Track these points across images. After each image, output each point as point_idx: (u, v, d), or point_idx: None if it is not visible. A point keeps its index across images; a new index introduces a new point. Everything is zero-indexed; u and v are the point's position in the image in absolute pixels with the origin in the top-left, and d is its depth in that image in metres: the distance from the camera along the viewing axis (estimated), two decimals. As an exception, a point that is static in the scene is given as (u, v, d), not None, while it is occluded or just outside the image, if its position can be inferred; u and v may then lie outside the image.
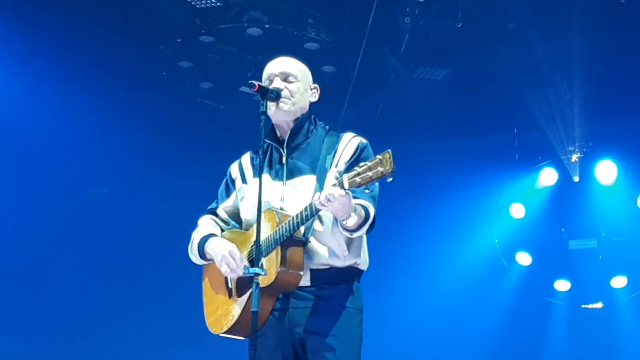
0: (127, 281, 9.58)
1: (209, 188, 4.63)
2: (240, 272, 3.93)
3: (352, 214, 3.70)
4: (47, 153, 9.07)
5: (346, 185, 3.56)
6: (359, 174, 3.54)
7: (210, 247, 4.11)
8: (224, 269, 3.99)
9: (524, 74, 8.58)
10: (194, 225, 4.36)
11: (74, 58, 8.35)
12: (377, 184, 3.81)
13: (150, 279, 9.60)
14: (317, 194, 3.68)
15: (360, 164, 3.57)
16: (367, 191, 3.70)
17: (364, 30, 8.17)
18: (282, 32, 8.27)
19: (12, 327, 9.19)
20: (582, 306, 9.51)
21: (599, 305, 9.47)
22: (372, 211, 3.86)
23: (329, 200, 3.59)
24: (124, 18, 8.17)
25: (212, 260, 4.14)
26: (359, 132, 4.20)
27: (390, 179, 3.53)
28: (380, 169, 3.49)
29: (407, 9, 8.08)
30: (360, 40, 8.30)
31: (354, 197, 3.74)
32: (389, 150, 3.50)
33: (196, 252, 4.19)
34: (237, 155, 4.40)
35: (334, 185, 3.60)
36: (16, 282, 9.32)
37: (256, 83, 3.92)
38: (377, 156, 3.53)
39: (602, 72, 8.54)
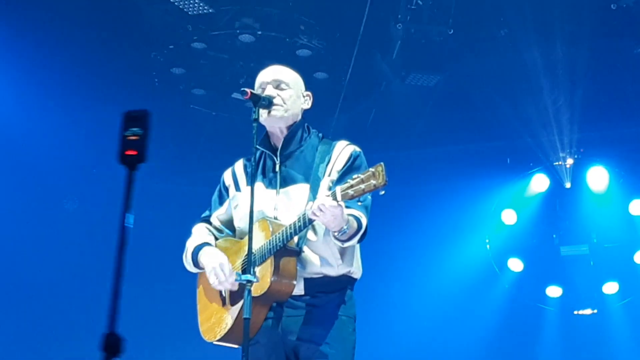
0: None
1: (201, 194, 4.63)
2: (227, 286, 3.93)
3: (344, 225, 3.71)
4: (38, 159, 9.04)
5: (339, 198, 3.57)
6: (351, 186, 3.55)
7: (203, 257, 4.11)
8: (211, 279, 3.99)
9: (515, 80, 8.58)
10: (186, 232, 4.36)
11: (65, 64, 8.33)
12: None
13: (143, 286, 9.56)
14: (310, 204, 3.68)
15: (354, 177, 3.58)
16: (359, 203, 3.72)
17: (355, 36, 8.17)
18: (274, 38, 8.26)
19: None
20: (575, 312, 9.51)
21: (592, 311, 9.48)
22: (364, 222, 3.87)
23: (321, 211, 3.60)
24: (116, 24, 8.15)
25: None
26: (351, 138, 4.21)
27: (383, 192, 3.53)
28: (372, 182, 3.50)
29: (399, 16, 8.07)
30: (352, 47, 8.29)
31: (347, 207, 3.75)
32: (382, 164, 3.51)
33: (190, 260, 4.21)
34: (230, 162, 4.41)
35: (327, 196, 3.60)
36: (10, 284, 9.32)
37: (248, 90, 3.94)
38: (370, 169, 3.54)
39: (593, 78, 8.55)
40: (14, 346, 9.25)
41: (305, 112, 4.26)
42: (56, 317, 9.48)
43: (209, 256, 4.08)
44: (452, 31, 8.13)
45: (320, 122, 4.59)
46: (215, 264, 4.00)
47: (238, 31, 8.22)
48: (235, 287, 3.94)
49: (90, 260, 9.50)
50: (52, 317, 9.47)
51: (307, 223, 3.75)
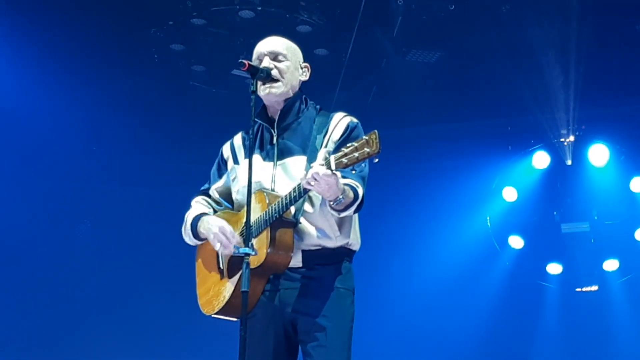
0: (119, 264, 9.58)
1: (201, 171, 4.64)
2: (232, 248, 3.92)
3: (340, 195, 3.69)
4: (38, 137, 9.04)
5: (333, 166, 3.55)
6: (345, 154, 3.53)
7: (203, 226, 4.12)
8: (216, 246, 3.98)
9: (517, 57, 8.55)
10: (185, 208, 4.36)
11: (63, 41, 8.29)
12: (366, 164, 3.83)
13: (143, 261, 9.60)
14: (304, 173, 3.67)
15: (347, 145, 3.56)
16: (353, 172, 3.71)
17: (356, 12, 8.12)
18: (274, 14, 8.21)
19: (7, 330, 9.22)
20: (577, 289, 9.53)
21: (594, 288, 9.50)
22: (360, 191, 3.84)
23: (315, 180, 3.58)
24: (115, 1, 8.11)
25: (205, 239, 4.15)
26: (352, 115, 4.19)
27: (377, 160, 3.52)
28: (366, 149, 3.48)
29: (400, -8, 8.05)
30: (352, 23, 8.25)
31: (343, 177, 3.74)
32: (376, 131, 3.49)
33: (189, 232, 4.21)
34: (230, 139, 4.40)
35: (321, 165, 3.59)
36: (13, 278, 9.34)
37: (246, 62, 3.93)
38: (364, 136, 3.51)
39: (595, 55, 8.51)
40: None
41: (306, 89, 4.25)
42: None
43: (208, 224, 4.09)
44: (453, 7, 8.09)
45: (321, 98, 4.58)
46: (215, 230, 4.00)
47: (238, 7, 8.17)
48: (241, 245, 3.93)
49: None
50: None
51: (302, 193, 3.74)
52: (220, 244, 3.97)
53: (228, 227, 4.00)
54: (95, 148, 9.67)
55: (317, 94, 4.42)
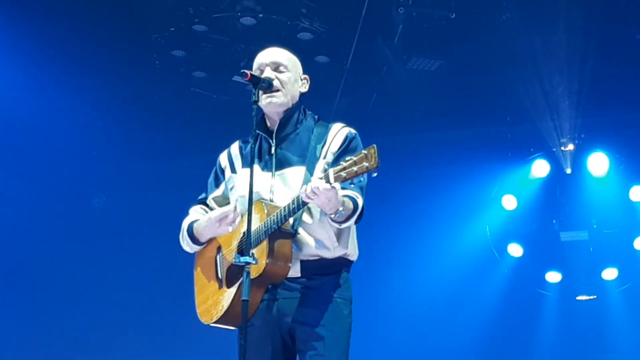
0: (119, 271, 9.58)
1: (202, 177, 4.64)
2: (238, 220, 3.95)
3: (340, 207, 3.71)
4: (38, 141, 9.05)
5: (332, 180, 3.57)
6: (344, 168, 3.55)
7: (201, 227, 4.14)
8: (225, 229, 4.00)
9: (517, 65, 8.58)
10: (186, 214, 4.37)
11: (65, 47, 8.31)
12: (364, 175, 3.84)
13: (144, 269, 9.60)
14: (304, 187, 3.69)
15: (347, 159, 3.58)
16: (352, 185, 3.72)
17: (357, 20, 8.15)
18: (276, 21, 8.24)
19: (9, 330, 9.19)
20: (577, 298, 9.54)
21: (593, 296, 9.51)
22: (360, 202, 3.87)
23: (314, 193, 3.60)
24: (117, 6, 8.13)
25: (204, 244, 4.19)
26: (352, 122, 4.21)
27: (375, 174, 3.54)
28: (365, 164, 3.50)
29: (401, 0, 8.07)
30: (353, 31, 8.28)
31: (342, 188, 3.75)
32: (374, 145, 3.51)
33: (187, 237, 4.22)
34: (230, 145, 4.41)
35: (320, 178, 3.61)
36: (13, 282, 9.34)
37: (248, 72, 3.94)
38: (363, 151, 3.54)
39: (595, 64, 8.54)
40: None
41: (306, 96, 4.27)
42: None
43: (204, 222, 4.10)
44: (453, 15, 8.12)
45: (321, 105, 4.59)
46: (211, 220, 4.02)
47: (239, 14, 8.20)
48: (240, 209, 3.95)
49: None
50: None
51: (301, 205, 3.75)
52: (227, 224, 3.98)
53: (221, 210, 4.02)
54: (96, 153, 9.67)
55: (318, 100, 4.44)
